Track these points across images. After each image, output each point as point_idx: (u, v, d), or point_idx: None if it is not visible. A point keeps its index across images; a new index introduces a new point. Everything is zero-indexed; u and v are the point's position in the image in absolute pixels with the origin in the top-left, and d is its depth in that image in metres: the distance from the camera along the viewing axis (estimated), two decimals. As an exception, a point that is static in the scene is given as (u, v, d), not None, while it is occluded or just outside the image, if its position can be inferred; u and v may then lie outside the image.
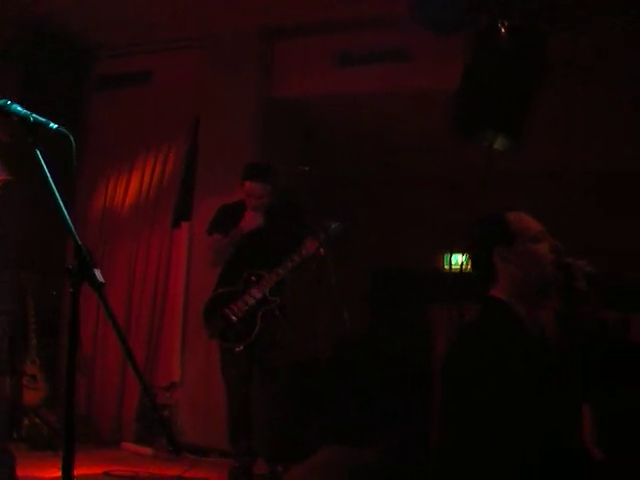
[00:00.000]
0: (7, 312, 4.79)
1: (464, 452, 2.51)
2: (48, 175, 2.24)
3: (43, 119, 2.36)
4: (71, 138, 2.30)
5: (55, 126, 2.35)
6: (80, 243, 2.15)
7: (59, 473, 4.88)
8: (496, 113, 5.30)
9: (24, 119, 2.35)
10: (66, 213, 2.18)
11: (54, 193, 2.21)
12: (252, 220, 5.44)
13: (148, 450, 6.30)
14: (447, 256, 8.34)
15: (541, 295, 2.75)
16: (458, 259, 7.85)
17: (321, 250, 5.42)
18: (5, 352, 4.70)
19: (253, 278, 5.41)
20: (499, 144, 5.44)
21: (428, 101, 6.37)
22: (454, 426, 2.60)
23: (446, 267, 8.39)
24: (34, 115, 2.36)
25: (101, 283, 2.13)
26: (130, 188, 7.29)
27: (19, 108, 2.37)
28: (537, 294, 2.73)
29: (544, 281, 2.71)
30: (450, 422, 2.64)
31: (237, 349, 5.30)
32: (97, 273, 2.13)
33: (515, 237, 2.71)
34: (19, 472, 4.73)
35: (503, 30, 5.15)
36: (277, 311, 5.41)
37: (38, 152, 2.29)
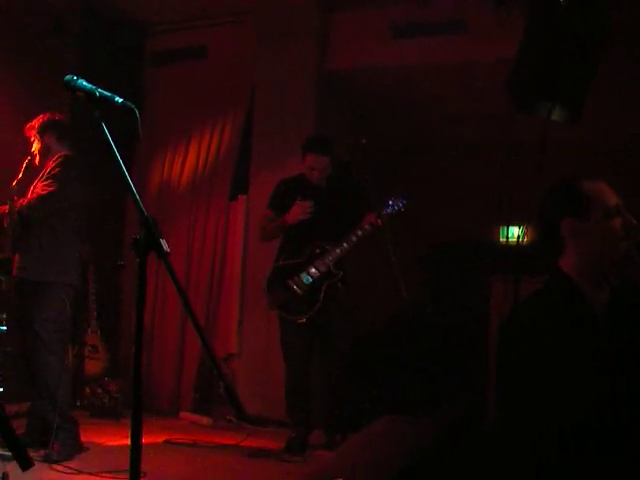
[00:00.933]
0: (75, 286, 4.93)
1: (518, 425, 2.47)
2: (114, 148, 2.28)
3: (109, 94, 2.40)
4: (136, 111, 2.35)
5: (121, 100, 2.39)
6: (147, 214, 2.20)
7: (120, 440, 5.04)
8: (554, 84, 5.21)
9: (90, 94, 2.39)
10: (132, 185, 2.22)
11: (121, 165, 2.25)
12: (297, 213, 5.46)
13: (206, 419, 6.40)
14: (504, 229, 8.27)
15: (610, 274, 2.62)
16: (514, 232, 7.81)
17: (379, 221, 5.41)
18: (69, 323, 4.83)
19: (317, 251, 5.43)
20: (557, 115, 5.35)
21: (484, 72, 6.32)
22: (508, 397, 2.56)
23: (502, 240, 8.32)
24: (100, 90, 2.41)
25: (167, 252, 2.17)
26: (187, 162, 7.36)
27: (85, 83, 2.42)
28: (605, 272, 2.60)
29: (614, 260, 2.58)
30: (505, 393, 2.59)
31: (300, 321, 5.34)
32: (163, 243, 2.17)
33: (588, 209, 2.54)
34: (82, 438, 4.89)
35: (562, -2, 5.06)
36: (340, 284, 5.43)
37: (104, 126, 2.33)
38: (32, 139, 4.90)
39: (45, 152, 4.87)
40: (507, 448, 2.55)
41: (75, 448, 4.75)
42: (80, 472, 4.38)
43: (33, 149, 4.89)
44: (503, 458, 2.58)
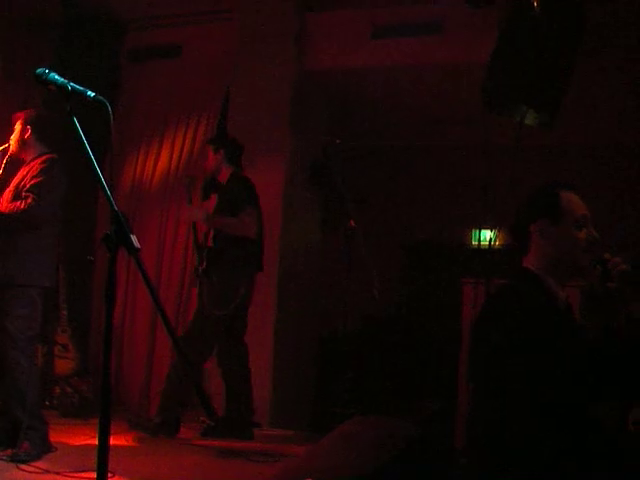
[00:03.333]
0: (48, 287, 4.89)
1: (494, 415, 2.54)
2: (86, 142, 2.26)
3: (81, 87, 2.38)
4: (108, 105, 2.32)
5: (93, 94, 2.37)
6: (117, 209, 2.17)
7: (89, 440, 4.99)
8: (529, 87, 5.24)
9: (62, 87, 2.37)
10: (104, 180, 2.20)
11: (92, 160, 2.23)
12: (185, 216, 5.64)
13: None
14: (475, 232, 8.32)
15: (569, 276, 2.80)
16: (486, 235, 7.85)
17: (352, 222, 5.41)
18: (37, 322, 4.78)
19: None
20: (530, 120, 5.39)
21: (461, 74, 6.35)
22: (484, 389, 2.63)
23: (474, 243, 8.37)
24: (72, 84, 2.38)
25: (137, 248, 2.15)
26: (160, 159, 7.31)
27: (57, 77, 2.40)
28: (565, 275, 2.77)
29: (573, 267, 2.74)
30: (480, 385, 2.67)
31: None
32: (133, 239, 2.15)
33: (560, 216, 2.72)
34: (51, 438, 4.84)
35: (537, 1, 5.09)
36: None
37: (75, 120, 2.30)
38: (15, 127, 4.85)
39: (21, 145, 4.83)
40: (482, 438, 2.60)
41: (44, 448, 4.69)
42: (47, 472, 4.32)
43: (10, 143, 4.84)
44: (479, 448, 2.63)
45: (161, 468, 4.72)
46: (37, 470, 4.34)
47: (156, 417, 5.72)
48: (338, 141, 5.69)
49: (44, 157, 4.78)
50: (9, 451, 4.52)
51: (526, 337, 2.51)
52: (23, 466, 4.38)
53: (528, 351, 2.49)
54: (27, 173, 4.72)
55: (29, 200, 4.57)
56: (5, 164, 4.82)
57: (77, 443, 5.18)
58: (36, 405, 4.76)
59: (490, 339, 2.61)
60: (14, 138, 4.83)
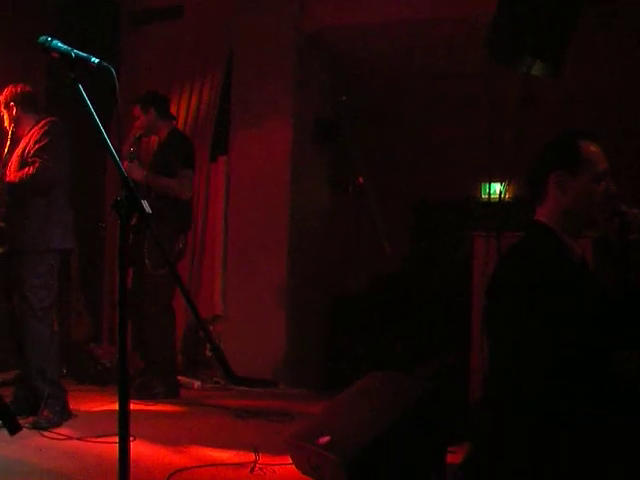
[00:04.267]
0: (69, 250, 4.95)
1: (512, 369, 2.52)
2: (92, 109, 2.25)
3: (84, 54, 2.37)
4: (113, 71, 2.31)
5: (97, 60, 2.35)
6: (127, 175, 2.18)
7: (107, 406, 5.05)
8: (534, 38, 5.19)
9: (66, 55, 2.36)
10: (112, 146, 2.19)
11: (99, 127, 2.22)
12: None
13: (194, 382, 6.41)
14: (485, 185, 8.28)
15: (583, 229, 2.75)
16: (496, 189, 7.82)
17: (360, 179, 5.40)
18: (55, 289, 4.82)
19: None
20: (537, 70, 5.34)
21: (464, 28, 6.28)
22: (502, 343, 2.61)
23: (484, 197, 8.33)
24: (75, 51, 2.37)
25: (149, 213, 2.16)
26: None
27: (60, 44, 2.38)
28: (579, 228, 2.72)
29: (589, 220, 2.69)
30: (497, 340, 2.64)
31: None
32: (144, 204, 2.15)
33: (580, 167, 2.65)
34: (70, 405, 4.90)
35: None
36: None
37: (81, 87, 2.30)
38: (2, 114, 4.88)
39: (16, 123, 4.84)
40: (499, 392, 2.59)
41: (64, 415, 4.75)
42: (70, 438, 4.38)
43: (6, 124, 4.86)
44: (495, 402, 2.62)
45: (181, 430, 4.77)
46: (59, 437, 4.40)
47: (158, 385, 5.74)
48: (344, 98, 5.65)
49: (42, 122, 4.79)
50: (30, 419, 4.58)
51: (543, 292, 2.48)
52: (45, 433, 4.44)
53: (546, 306, 2.45)
54: (29, 140, 4.73)
55: (37, 164, 4.58)
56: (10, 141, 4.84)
57: (96, 409, 5.23)
58: (56, 373, 4.82)
59: (507, 296, 2.57)
60: (6, 120, 4.85)
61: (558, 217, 2.68)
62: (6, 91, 4.87)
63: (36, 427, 4.50)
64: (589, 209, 2.66)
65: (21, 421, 4.36)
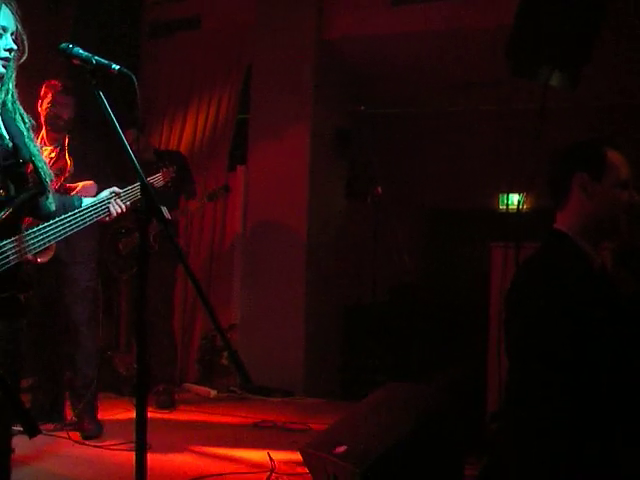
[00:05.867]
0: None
1: (533, 386, 2.48)
2: (112, 115, 2.26)
3: (105, 61, 2.38)
4: (134, 78, 2.32)
5: (117, 67, 2.36)
6: (147, 182, 2.18)
7: (123, 414, 5.06)
8: (553, 48, 5.18)
9: (86, 61, 2.37)
10: (132, 152, 2.20)
11: (120, 134, 2.23)
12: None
13: (210, 391, 6.41)
14: (503, 196, 8.26)
15: (604, 237, 2.68)
16: (514, 199, 7.79)
17: (378, 189, 5.40)
18: (100, 295, 4.91)
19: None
20: (555, 81, 5.33)
21: (482, 38, 6.27)
22: (521, 358, 2.57)
23: (502, 207, 8.31)
24: (96, 57, 2.38)
25: (168, 219, 2.16)
26: (185, 134, 7.32)
27: (81, 51, 2.39)
28: (600, 236, 2.65)
29: (612, 228, 2.63)
30: (515, 352, 2.60)
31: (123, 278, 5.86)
32: (164, 210, 2.16)
33: (604, 172, 2.59)
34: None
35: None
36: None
37: (101, 93, 2.31)
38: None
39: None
40: (519, 413, 2.56)
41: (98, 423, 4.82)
42: (88, 445, 4.43)
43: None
44: (515, 425, 2.59)
45: (197, 439, 4.78)
46: (78, 444, 4.45)
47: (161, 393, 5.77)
48: (362, 108, 5.66)
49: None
50: (49, 425, 4.61)
51: (564, 305, 2.43)
52: (62, 439, 4.47)
53: (567, 319, 2.41)
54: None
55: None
56: None
57: (113, 417, 5.25)
58: (93, 381, 4.86)
59: (526, 308, 2.52)
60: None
61: (580, 224, 2.62)
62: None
63: (87, 437, 4.60)
64: (613, 215, 2.60)
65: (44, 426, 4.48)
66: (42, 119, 4.68)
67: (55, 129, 4.75)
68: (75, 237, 4.57)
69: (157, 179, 4.89)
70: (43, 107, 4.71)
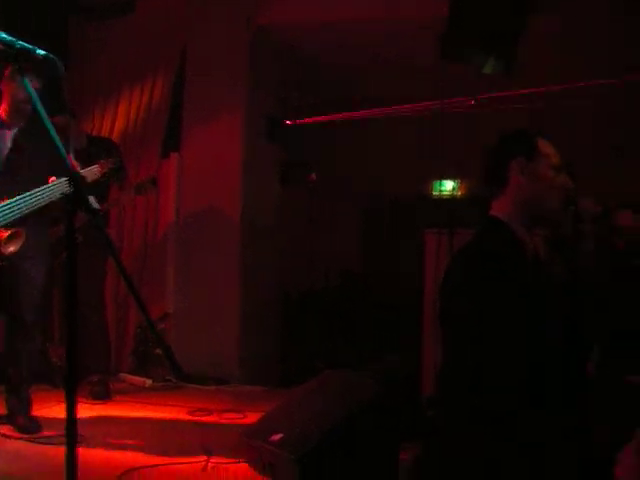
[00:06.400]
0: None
1: (466, 370, 2.52)
2: (39, 103, 2.20)
3: (30, 46, 2.31)
4: (59, 63, 2.25)
5: (43, 52, 2.29)
6: (74, 171, 2.13)
7: (56, 406, 4.98)
8: (487, 36, 5.24)
9: (9, 46, 2.29)
10: (59, 141, 2.14)
11: (46, 121, 2.17)
12: None
13: (146, 380, 6.35)
14: (437, 183, 8.33)
15: (539, 222, 2.73)
16: (448, 185, 7.87)
17: (313, 176, 5.39)
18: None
19: None
20: (489, 68, 5.38)
21: (417, 26, 6.29)
22: (455, 342, 2.61)
23: (435, 194, 8.39)
24: (20, 42, 2.31)
25: (96, 209, 2.12)
26: (117, 120, 7.19)
27: (4, 35, 2.31)
28: (535, 220, 2.70)
29: (548, 209, 2.68)
30: (451, 339, 2.64)
31: None
32: (92, 200, 2.11)
33: (539, 156, 2.67)
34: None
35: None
36: None
37: (26, 80, 2.25)
38: None
39: None
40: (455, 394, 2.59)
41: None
42: (14, 438, 4.33)
43: None
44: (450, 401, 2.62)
45: (132, 429, 4.72)
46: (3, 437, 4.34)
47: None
48: (295, 94, 5.64)
49: None
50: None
51: (500, 291, 2.47)
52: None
53: (500, 305, 2.45)
54: None
55: None
56: None
57: (44, 409, 5.13)
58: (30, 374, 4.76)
59: (460, 294, 2.56)
60: None
61: (515, 209, 2.66)
62: None
63: (22, 431, 4.46)
64: (549, 197, 2.66)
65: None
66: None
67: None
68: (28, 232, 4.53)
69: (94, 171, 4.79)
70: None
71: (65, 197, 2.11)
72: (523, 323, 2.44)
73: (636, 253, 4.25)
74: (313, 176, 5.45)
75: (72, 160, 2.19)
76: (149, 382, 6.30)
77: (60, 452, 3.60)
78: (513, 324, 2.44)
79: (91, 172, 4.71)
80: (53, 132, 2.16)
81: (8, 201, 3.90)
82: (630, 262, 4.29)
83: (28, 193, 4.01)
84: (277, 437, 3.55)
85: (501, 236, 2.64)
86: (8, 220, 3.89)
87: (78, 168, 4.49)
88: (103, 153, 5.04)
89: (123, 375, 6.54)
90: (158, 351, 6.61)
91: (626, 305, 4.03)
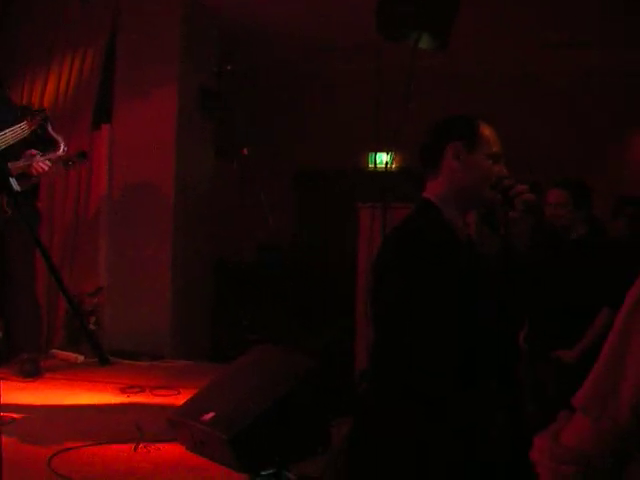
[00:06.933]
0: None
1: (396, 350, 2.53)
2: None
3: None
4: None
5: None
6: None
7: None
8: (421, 11, 5.23)
9: None
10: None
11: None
12: None
13: (77, 357, 6.27)
14: (372, 155, 8.32)
15: (471, 207, 2.76)
16: (383, 158, 7.87)
17: (244, 150, 5.35)
18: None
19: None
20: (424, 43, 5.39)
21: (351, 1, 6.26)
22: (385, 322, 2.62)
23: (370, 166, 8.38)
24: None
25: (17, 191, 2.05)
26: (47, 89, 7.03)
27: None
28: (468, 205, 2.71)
29: (479, 198, 2.67)
30: (381, 318, 2.64)
31: None
32: (12, 182, 2.05)
33: (477, 143, 2.64)
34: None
35: None
36: None
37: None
38: None
39: None
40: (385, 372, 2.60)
41: None
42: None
43: None
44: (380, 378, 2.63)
45: (62, 408, 4.66)
46: None
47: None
48: (229, 67, 5.57)
49: None
50: None
51: (427, 272, 2.48)
52: None
53: (429, 287, 2.45)
54: None
55: None
56: None
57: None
58: None
59: (390, 275, 2.56)
60: None
61: (449, 193, 2.65)
62: None
63: None
64: (482, 186, 2.64)
65: None
66: None
67: None
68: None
69: (22, 128, 4.68)
70: None
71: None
72: (454, 305, 2.46)
73: (568, 231, 4.34)
74: (244, 151, 5.41)
75: None
76: (81, 358, 6.22)
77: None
78: (444, 306, 2.45)
79: (20, 129, 4.60)
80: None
81: None
82: (562, 239, 4.37)
83: None
84: (209, 416, 3.53)
85: (432, 219, 2.64)
86: None
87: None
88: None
89: (54, 351, 6.45)
90: (91, 326, 6.53)
91: (557, 281, 4.12)
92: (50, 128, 5.17)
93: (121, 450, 3.76)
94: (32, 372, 5.48)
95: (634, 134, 8.21)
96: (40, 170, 5.00)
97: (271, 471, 3.28)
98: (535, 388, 3.80)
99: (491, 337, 2.54)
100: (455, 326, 2.44)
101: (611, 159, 8.04)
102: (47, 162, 5.10)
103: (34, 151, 5.07)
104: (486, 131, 2.68)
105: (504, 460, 2.44)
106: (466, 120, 2.71)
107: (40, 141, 5.17)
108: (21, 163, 5.07)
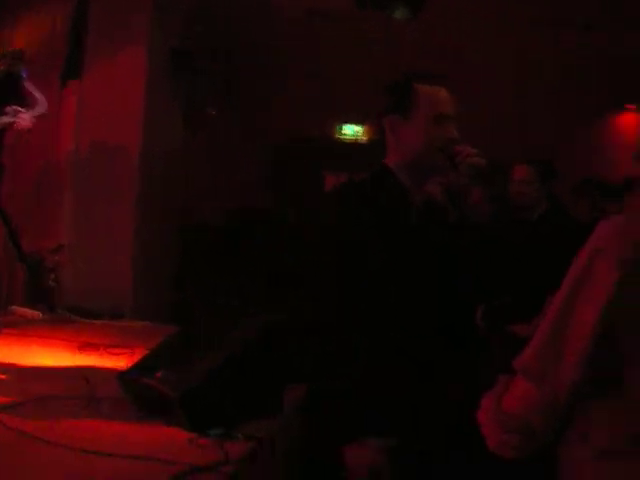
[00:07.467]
0: None
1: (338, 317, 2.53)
2: None
3: None
4: None
5: None
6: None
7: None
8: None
9: None
10: None
11: None
12: None
13: (37, 313, 6.23)
14: (340, 127, 8.29)
15: (427, 174, 2.70)
16: (351, 129, 7.87)
17: (212, 112, 5.33)
18: None
19: None
20: (399, 13, 5.40)
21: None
22: (324, 288, 2.61)
23: (339, 137, 8.35)
24: None
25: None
26: (15, 46, 6.92)
27: None
28: (422, 173, 2.67)
29: (428, 165, 2.63)
30: (315, 283, 2.65)
31: None
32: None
33: (412, 110, 2.56)
34: None
35: None
36: None
37: None
38: None
39: None
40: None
41: None
42: None
43: None
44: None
45: (17, 365, 4.63)
46: None
47: None
48: (201, 29, 5.54)
49: None
50: None
51: (376, 235, 2.47)
52: None
53: (376, 253, 2.45)
54: None
55: None
56: None
57: None
58: None
59: (341, 238, 2.55)
60: None
61: (400, 162, 2.64)
62: None
63: None
64: (428, 151, 2.58)
65: None
66: None
67: None
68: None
69: None
70: None
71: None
72: (390, 270, 2.46)
73: (529, 208, 4.36)
74: (212, 112, 5.38)
75: None
76: (40, 315, 6.18)
77: None
78: (381, 270, 2.46)
79: None
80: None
81: None
82: (522, 216, 4.40)
83: None
84: (159, 374, 3.52)
85: (384, 183, 2.63)
86: None
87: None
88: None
89: (14, 307, 6.39)
90: (52, 282, 6.50)
91: (518, 258, 4.15)
92: (27, 84, 5.12)
93: (71, 405, 3.75)
94: None
95: (603, 118, 8.25)
96: (24, 126, 4.95)
97: (220, 431, 3.28)
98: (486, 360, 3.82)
99: (425, 296, 2.53)
100: (390, 285, 2.44)
101: (579, 143, 8.09)
102: (32, 119, 5.05)
103: (19, 107, 5.02)
104: (426, 93, 2.58)
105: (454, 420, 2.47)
106: (402, 85, 2.63)
107: (15, 97, 5.12)
108: (5, 119, 5.02)
